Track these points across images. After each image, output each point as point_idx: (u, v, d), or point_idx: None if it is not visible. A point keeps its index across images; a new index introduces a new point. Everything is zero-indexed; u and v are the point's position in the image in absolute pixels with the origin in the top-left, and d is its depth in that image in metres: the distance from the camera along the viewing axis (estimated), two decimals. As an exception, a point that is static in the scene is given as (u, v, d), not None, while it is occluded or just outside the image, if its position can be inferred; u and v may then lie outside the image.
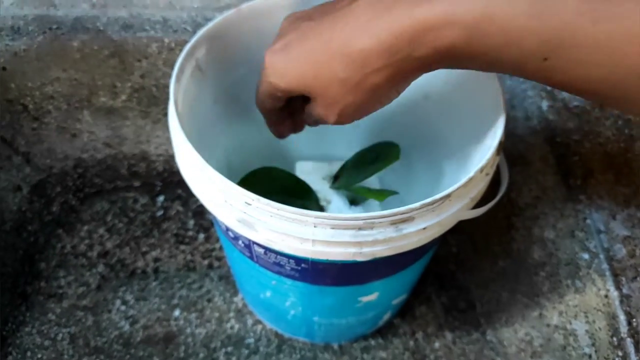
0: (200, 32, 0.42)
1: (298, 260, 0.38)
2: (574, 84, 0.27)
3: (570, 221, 0.49)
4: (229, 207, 0.34)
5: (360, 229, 0.33)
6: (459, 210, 0.35)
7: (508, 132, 0.56)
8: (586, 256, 0.47)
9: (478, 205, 0.39)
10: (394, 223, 0.33)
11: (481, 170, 0.35)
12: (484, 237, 0.60)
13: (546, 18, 0.25)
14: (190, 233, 0.65)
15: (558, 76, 0.27)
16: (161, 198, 0.68)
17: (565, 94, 0.53)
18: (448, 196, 0.34)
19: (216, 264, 0.62)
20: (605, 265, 0.46)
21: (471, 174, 0.34)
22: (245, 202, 0.33)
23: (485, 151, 0.37)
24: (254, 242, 0.37)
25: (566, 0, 0.24)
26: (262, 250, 0.38)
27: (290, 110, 0.41)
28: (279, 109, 0.39)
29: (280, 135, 0.43)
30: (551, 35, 0.25)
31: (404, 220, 0.33)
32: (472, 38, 0.26)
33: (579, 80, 0.26)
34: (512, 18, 0.25)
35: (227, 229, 0.40)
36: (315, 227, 0.33)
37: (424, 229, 0.34)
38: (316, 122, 0.38)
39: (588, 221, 0.48)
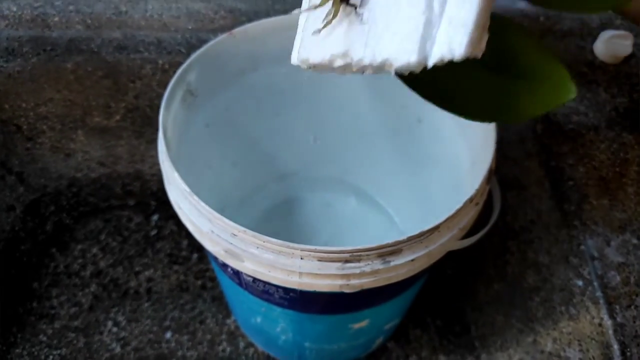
0: (192, 57, 0.42)
1: (286, 289, 0.37)
2: None
3: (565, 247, 0.49)
4: (216, 237, 0.34)
5: (347, 261, 0.32)
6: (448, 241, 0.35)
7: (502, 155, 0.56)
8: (580, 283, 0.47)
9: (468, 233, 0.39)
10: (381, 255, 0.33)
11: (471, 200, 0.35)
12: (479, 260, 0.59)
13: None
14: (183, 253, 0.65)
15: None
16: (155, 217, 0.67)
17: (560, 117, 0.53)
18: (437, 228, 0.33)
19: (209, 284, 0.62)
20: (599, 293, 0.45)
21: (460, 204, 0.34)
22: (232, 234, 0.33)
23: (475, 178, 0.37)
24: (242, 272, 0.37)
25: None
26: (250, 279, 0.38)
27: None
28: None
29: None
30: None
31: (391, 253, 0.33)
32: None
33: None
34: None
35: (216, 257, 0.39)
36: (301, 259, 0.32)
37: (412, 260, 0.34)
38: None
39: (582, 247, 0.47)
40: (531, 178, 0.53)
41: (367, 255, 0.32)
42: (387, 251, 0.33)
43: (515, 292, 0.54)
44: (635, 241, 0.47)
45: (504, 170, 0.55)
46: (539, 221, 0.52)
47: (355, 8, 0.20)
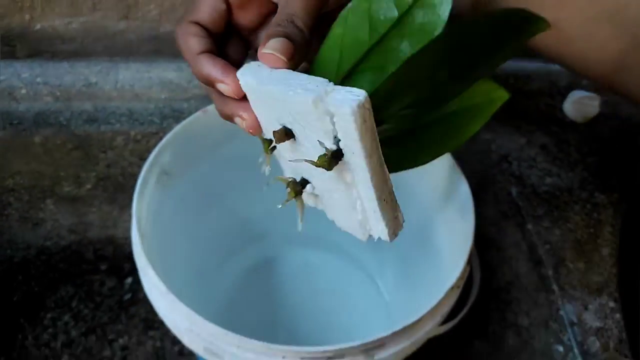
0: (165, 139, 0.42)
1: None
2: None
3: (544, 311, 0.49)
4: (196, 335, 0.33)
5: (330, 359, 0.32)
6: (431, 329, 0.35)
7: (479, 214, 0.56)
8: (560, 348, 0.47)
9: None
10: (365, 350, 0.32)
11: (452, 288, 0.35)
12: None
13: None
14: (159, 317, 0.63)
15: None
16: (129, 280, 0.66)
17: (533, 179, 0.54)
18: (420, 319, 0.33)
19: (186, 350, 0.60)
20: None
21: (442, 294, 0.34)
22: (212, 333, 0.32)
23: (456, 261, 0.37)
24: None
25: None
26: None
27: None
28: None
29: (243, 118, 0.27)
30: None
31: (375, 347, 0.32)
32: None
33: None
34: None
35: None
36: (284, 358, 0.32)
37: (396, 352, 0.33)
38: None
39: (561, 312, 0.48)
40: (508, 240, 0.53)
41: (351, 351, 0.32)
42: (371, 346, 0.32)
43: (496, 353, 0.54)
44: (612, 304, 0.48)
45: (481, 229, 0.56)
46: (517, 283, 0.52)
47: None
